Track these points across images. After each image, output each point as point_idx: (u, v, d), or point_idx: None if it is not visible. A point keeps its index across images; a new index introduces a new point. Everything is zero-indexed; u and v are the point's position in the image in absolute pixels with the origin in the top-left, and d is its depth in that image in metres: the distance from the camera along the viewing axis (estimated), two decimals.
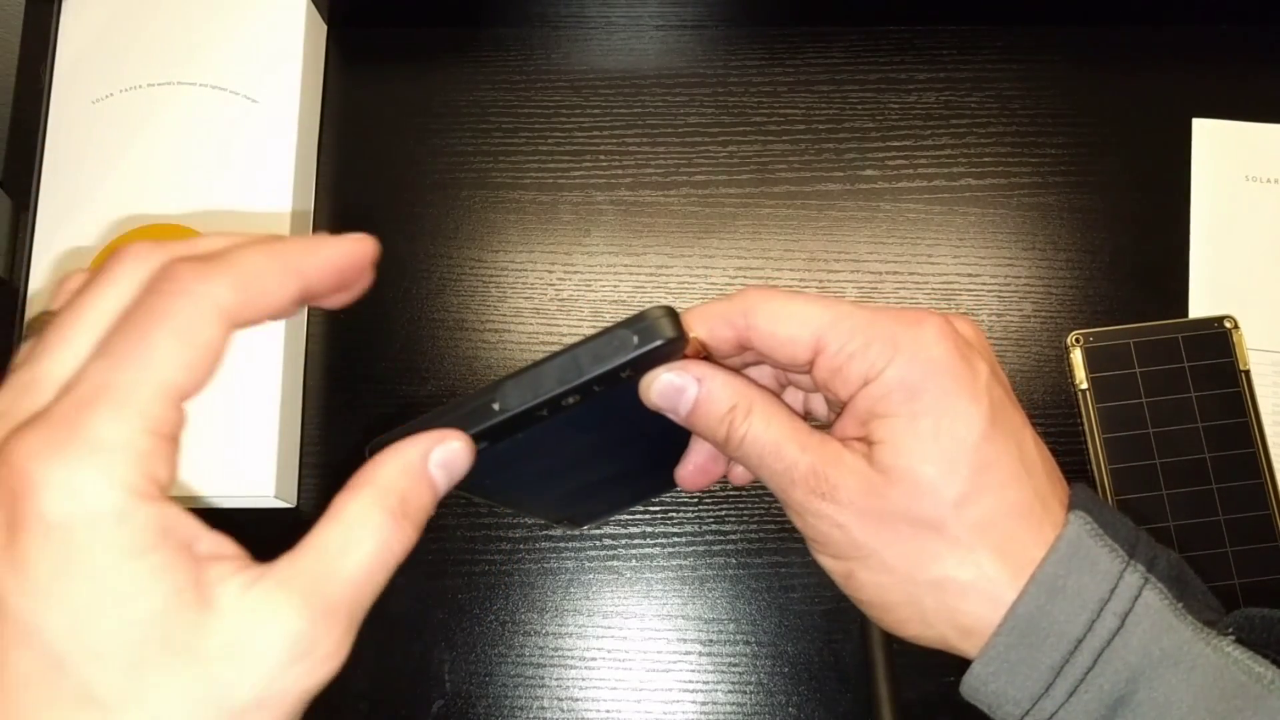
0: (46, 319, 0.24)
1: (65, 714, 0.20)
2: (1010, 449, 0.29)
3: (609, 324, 0.28)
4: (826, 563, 0.31)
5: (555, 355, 0.28)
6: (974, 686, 0.29)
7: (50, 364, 0.22)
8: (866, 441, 0.29)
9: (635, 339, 0.27)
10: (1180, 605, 0.28)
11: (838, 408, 0.32)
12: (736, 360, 0.32)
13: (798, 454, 0.29)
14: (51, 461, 0.20)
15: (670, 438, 0.33)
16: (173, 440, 0.22)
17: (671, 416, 0.31)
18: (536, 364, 0.28)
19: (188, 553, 0.22)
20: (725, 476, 0.34)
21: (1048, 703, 0.28)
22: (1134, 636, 0.27)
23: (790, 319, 0.30)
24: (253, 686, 0.21)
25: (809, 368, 0.30)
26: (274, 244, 0.24)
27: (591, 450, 0.33)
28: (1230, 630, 0.28)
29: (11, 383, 0.23)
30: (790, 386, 0.34)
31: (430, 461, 0.25)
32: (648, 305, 0.29)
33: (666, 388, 0.30)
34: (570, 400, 0.28)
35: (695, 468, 0.34)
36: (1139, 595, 0.28)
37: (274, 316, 0.24)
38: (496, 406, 0.27)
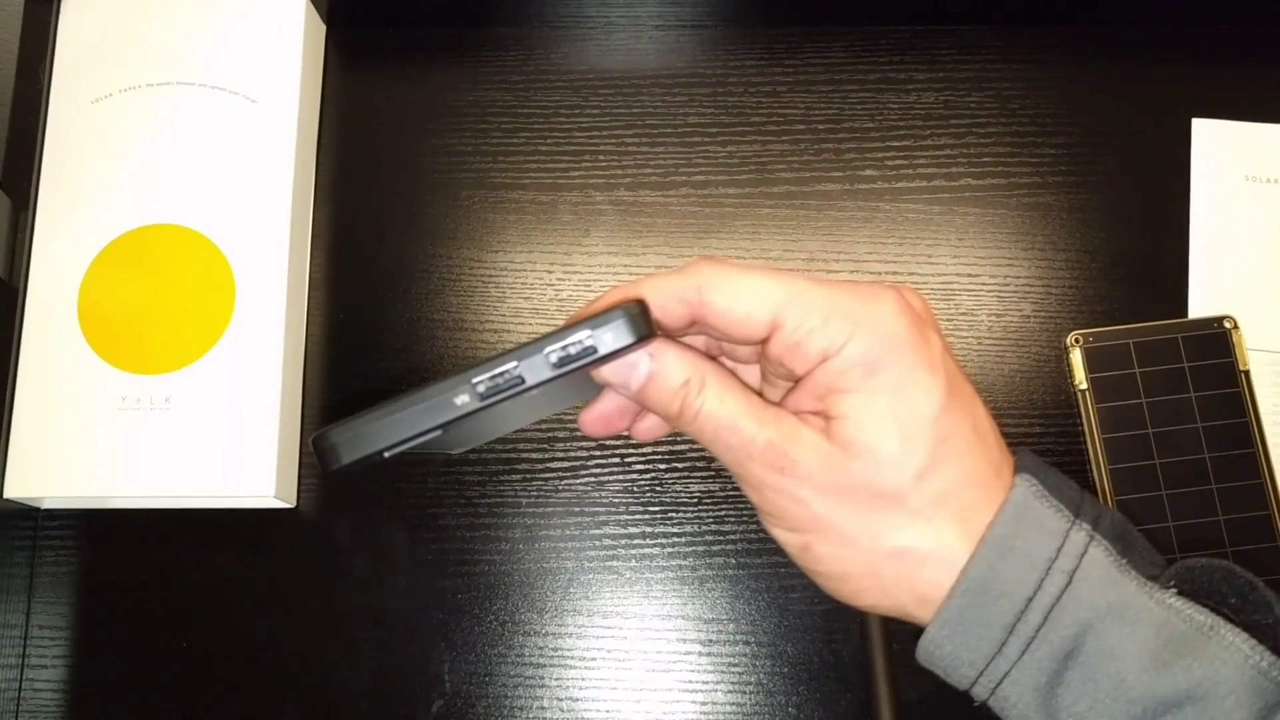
0: None
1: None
2: (966, 420, 0.30)
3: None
4: (781, 535, 0.31)
5: (523, 350, 0.27)
6: (929, 651, 0.30)
7: None
8: (824, 416, 0.29)
9: (609, 337, 0.27)
10: (1124, 561, 0.29)
11: (776, 382, 0.32)
12: (679, 332, 0.32)
13: (755, 429, 0.29)
14: None
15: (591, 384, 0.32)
16: None
17: (621, 392, 0.31)
18: (503, 357, 0.27)
19: None
20: (628, 431, 0.34)
21: (1001, 662, 0.29)
22: (1082, 592, 0.28)
23: (747, 296, 0.29)
24: None
25: (763, 343, 0.30)
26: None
27: (518, 409, 0.32)
28: (1172, 583, 0.29)
29: None
30: (722, 357, 0.34)
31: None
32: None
33: (619, 364, 0.30)
34: (532, 393, 0.28)
35: (599, 416, 0.34)
36: (1085, 552, 0.29)
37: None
38: (460, 401, 0.27)
